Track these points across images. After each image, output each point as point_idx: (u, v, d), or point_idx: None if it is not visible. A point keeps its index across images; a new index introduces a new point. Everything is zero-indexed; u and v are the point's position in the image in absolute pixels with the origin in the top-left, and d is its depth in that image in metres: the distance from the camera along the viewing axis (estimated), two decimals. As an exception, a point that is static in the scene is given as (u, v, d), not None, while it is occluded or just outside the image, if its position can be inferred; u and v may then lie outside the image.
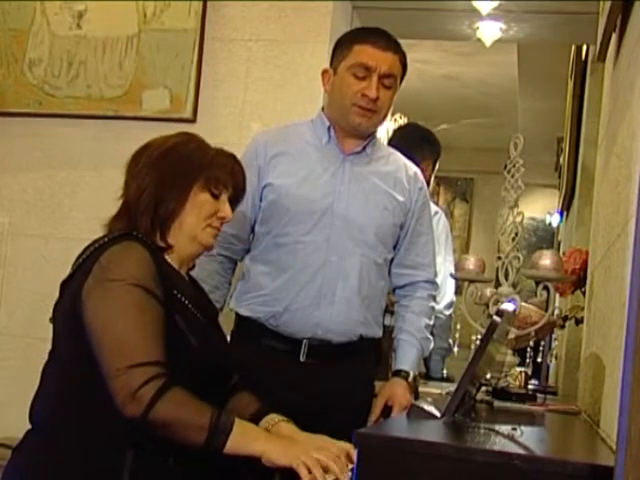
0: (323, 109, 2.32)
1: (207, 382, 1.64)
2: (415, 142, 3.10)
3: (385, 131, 5.05)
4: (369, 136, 2.27)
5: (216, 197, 1.74)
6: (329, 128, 2.26)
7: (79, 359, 1.57)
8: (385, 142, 3.17)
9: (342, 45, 2.25)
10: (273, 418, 1.73)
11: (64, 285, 1.65)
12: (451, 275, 2.36)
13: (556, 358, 3.73)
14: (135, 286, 1.54)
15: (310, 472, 1.48)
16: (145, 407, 1.47)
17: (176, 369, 1.55)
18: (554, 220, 8.06)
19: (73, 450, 1.54)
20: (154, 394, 1.48)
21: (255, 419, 1.73)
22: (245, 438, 1.52)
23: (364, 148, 2.27)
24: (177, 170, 1.70)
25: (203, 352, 1.63)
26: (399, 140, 3.03)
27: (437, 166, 3.31)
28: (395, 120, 5.73)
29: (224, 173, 1.75)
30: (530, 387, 2.24)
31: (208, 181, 1.72)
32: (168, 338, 1.56)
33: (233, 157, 1.81)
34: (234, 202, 1.81)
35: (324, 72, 2.28)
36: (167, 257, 1.70)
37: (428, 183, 2.88)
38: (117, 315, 1.53)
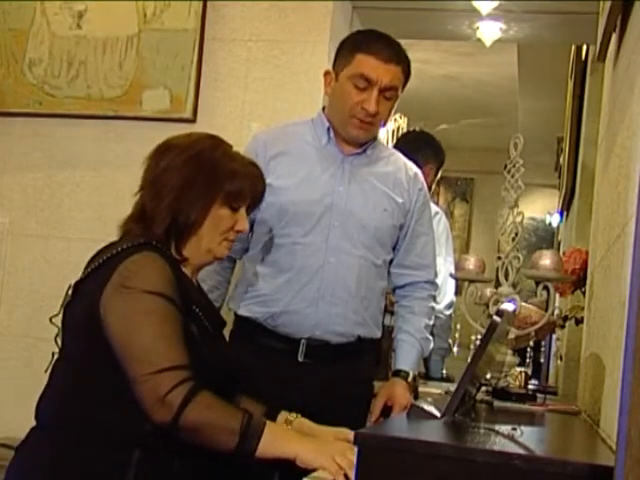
0: (324, 109, 2.32)
1: (217, 392, 1.63)
2: (417, 145, 3.11)
3: (385, 131, 5.05)
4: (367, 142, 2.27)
5: (235, 210, 1.73)
6: (329, 129, 2.26)
7: (89, 361, 1.56)
8: (384, 143, 3.17)
9: (345, 50, 2.23)
10: (287, 415, 1.75)
11: (77, 286, 1.64)
12: (451, 275, 2.36)
13: (561, 359, 3.73)
14: (156, 294, 1.54)
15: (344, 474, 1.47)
16: (175, 412, 1.47)
17: None
18: (554, 220, 8.06)
19: (78, 450, 1.54)
20: (183, 398, 1.47)
21: (269, 417, 1.73)
22: (277, 440, 1.52)
23: (364, 150, 2.27)
24: (200, 183, 1.68)
25: (214, 362, 1.63)
26: (403, 144, 3.04)
27: (440, 174, 3.30)
28: (395, 120, 5.73)
29: (246, 185, 1.74)
30: (530, 387, 2.24)
31: (229, 196, 1.71)
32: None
33: (255, 165, 1.80)
34: (251, 208, 1.81)
35: (326, 73, 2.27)
36: (182, 267, 1.70)
37: (430, 187, 2.88)
38: (141, 323, 1.53)
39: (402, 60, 2.20)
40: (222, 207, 1.71)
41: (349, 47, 2.23)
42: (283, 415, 1.76)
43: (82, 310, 1.59)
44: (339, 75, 2.21)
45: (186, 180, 1.67)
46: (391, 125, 5.56)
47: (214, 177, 1.69)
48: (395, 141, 3.32)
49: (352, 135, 2.21)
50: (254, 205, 1.82)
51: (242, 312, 2.23)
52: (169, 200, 1.66)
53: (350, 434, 1.67)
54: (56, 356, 1.68)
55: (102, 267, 1.60)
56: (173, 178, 1.67)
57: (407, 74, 2.23)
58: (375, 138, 2.31)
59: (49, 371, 1.66)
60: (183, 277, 1.67)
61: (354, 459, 1.45)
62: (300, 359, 2.19)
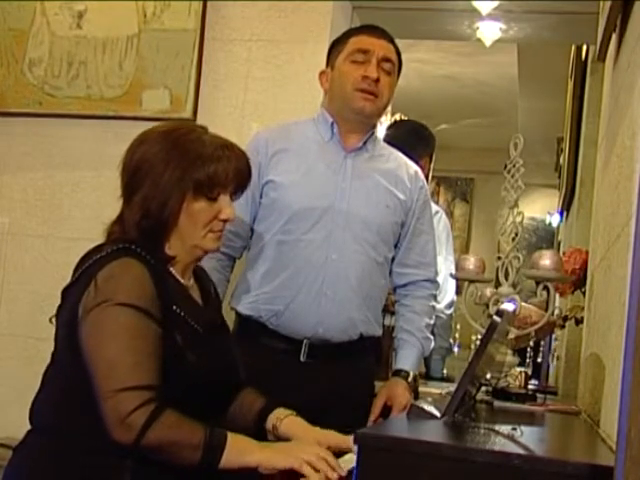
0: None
1: (209, 397, 1.62)
2: (412, 141, 3.09)
3: (385, 132, 5.03)
4: (369, 130, 2.28)
5: (213, 199, 1.64)
6: (332, 124, 2.27)
7: (76, 368, 1.53)
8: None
9: (337, 43, 2.30)
10: (282, 412, 1.73)
11: (65, 292, 1.62)
12: (451, 275, 2.36)
13: (557, 359, 3.73)
14: (130, 307, 1.50)
15: (315, 469, 1.48)
16: (137, 434, 1.45)
17: (175, 387, 1.53)
18: (554, 220, 8.06)
19: (74, 454, 1.53)
20: (145, 421, 1.45)
21: (262, 415, 1.73)
22: (239, 451, 1.51)
23: (364, 143, 2.27)
24: (168, 176, 1.60)
25: (201, 369, 1.59)
26: (395, 139, 3.01)
27: (434, 157, 3.31)
28: (395, 120, 5.72)
29: (219, 169, 1.63)
30: (530, 387, 2.24)
31: (201, 185, 1.61)
32: (166, 356, 1.53)
33: (230, 147, 1.67)
34: (238, 192, 1.71)
35: (321, 73, 2.31)
36: (170, 267, 1.65)
37: (427, 177, 2.89)
38: (110, 337, 1.49)
39: (393, 42, 2.27)
40: (196, 199, 1.62)
41: (340, 39, 2.30)
42: (275, 413, 1.73)
43: (66, 317, 1.57)
44: (335, 65, 2.26)
45: (156, 174, 1.60)
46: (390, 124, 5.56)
47: (182, 167, 1.60)
48: (384, 134, 3.27)
49: (358, 108, 2.21)
50: (240, 188, 1.70)
51: (245, 311, 2.22)
52: (139, 198, 1.61)
53: (337, 438, 1.67)
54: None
55: (84, 274, 1.57)
56: (145, 173, 1.61)
57: (400, 59, 2.28)
58: (374, 130, 2.31)
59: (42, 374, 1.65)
60: (166, 280, 1.60)
61: (320, 452, 1.50)
62: (302, 359, 2.19)
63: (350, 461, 1.54)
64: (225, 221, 1.67)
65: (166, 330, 1.55)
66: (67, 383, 1.57)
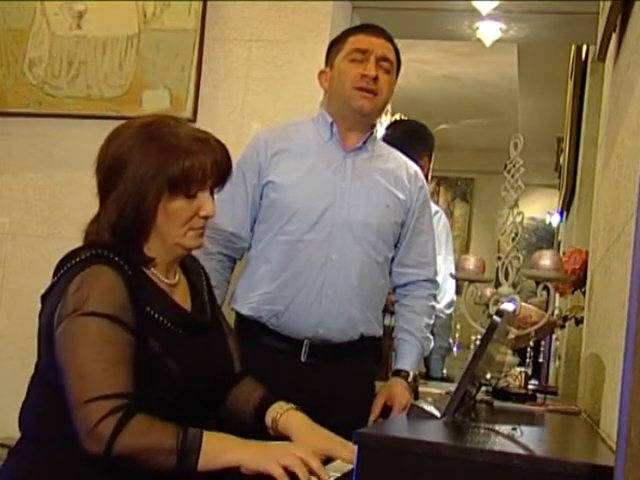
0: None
1: (196, 399, 1.59)
2: (411, 141, 3.08)
3: (384, 131, 5.03)
4: (369, 130, 2.28)
5: (193, 196, 1.57)
6: (332, 124, 2.27)
7: (55, 376, 1.50)
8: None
9: (336, 43, 2.31)
10: (282, 406, 1.69)
11: (43, 298, 1.59)
12: (451, 275, 2.36)
13: (558, 359, 3.73)
14: (99, 316, 1.47)
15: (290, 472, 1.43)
16: (106, 444, 1.41)
17: (157, 392, 1.50)
18: (554, 220, 8.06)
19: (64, 463, 1.51)
20: (113, 429, 1.41)
21: (261, 407, 1.70)
22: (218, 450, 1.45)
23: (364, 143, 2.27)
24: (141, 174, 1.54)
25: (183, 372, 1.55)
26: (394, 138, 3.01)
27: (433, 157, 3.31)
28: (394, 120, 5.72)
29: (196, 163, 1.55)
30: (530, 387, 2.24)
31: (177, 183, 1.54)
32: (143, 364, 1.49)
33: (206, 140, 1.60)
34: (219, 185, 1.64)
35: (321, 73, 2.31)
36: (151, 269, 1.60)
37: (426, 177, 2.89)
38: (80, 347, 1.46)
39: (392, 41, 2.28)
40: (174, 197, 1.55)
41: (339, 39, 2.31)
42: (275, 407, 1.69)
43: (45, 325, 1.55)
44: (334, 64, 2.27)
45: (130, 172, 1.54)
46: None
47: (156, 163, 1.53)
48: (384, 134, 3.26)
49: (357, 106, 2.21)
50: (221, 182, 1.63)
51: (245, 312, 2.22)
52: (114, 197, 1.57)
53: (332, 444, 1.61)
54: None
55: (58, 282, 1.54)
56: (120, 170, 1.56)
57: (398, 58, 2.29)
58: (374, 130, 2.32)
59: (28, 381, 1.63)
60: (142, 284, 1.55)
61: (304, 456, 1.46)
62: (303, 359, 2.19)
63: (335, 469, 1.52)
64: (206, 218, 1.61)
65: (141, 336, 1.51)
66: (49, 390, 1.54)
